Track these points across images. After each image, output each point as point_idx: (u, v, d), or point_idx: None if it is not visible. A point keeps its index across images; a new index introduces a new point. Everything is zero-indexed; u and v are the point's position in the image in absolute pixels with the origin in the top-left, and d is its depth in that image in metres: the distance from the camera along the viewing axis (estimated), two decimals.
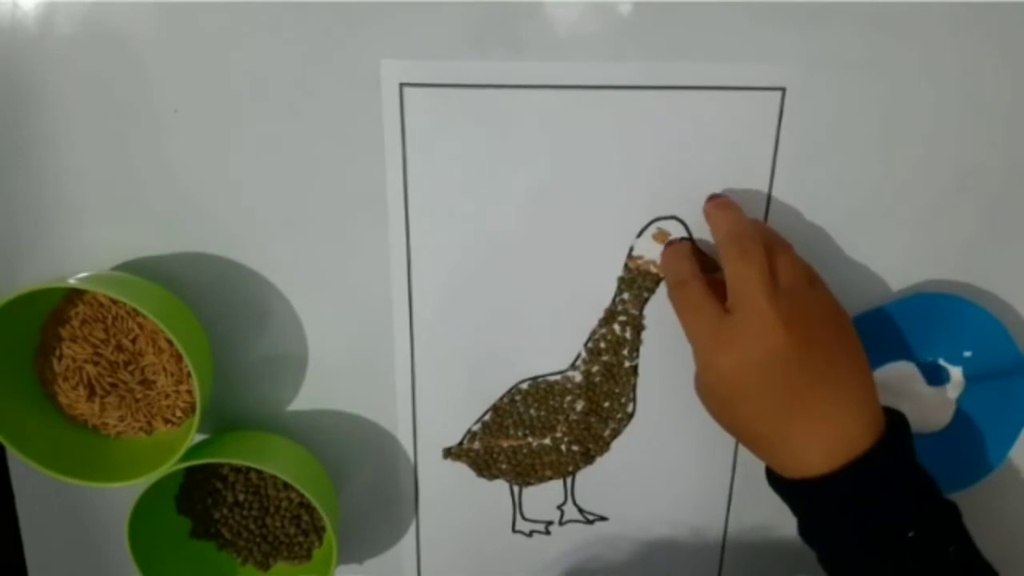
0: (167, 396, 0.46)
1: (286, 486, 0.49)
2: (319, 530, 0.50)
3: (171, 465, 0.43)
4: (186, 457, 0.44)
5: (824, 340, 0.39)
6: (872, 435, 0.39)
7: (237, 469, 0.49)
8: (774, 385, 0.39)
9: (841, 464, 0.38)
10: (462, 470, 0.51)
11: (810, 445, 0.39)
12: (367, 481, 0.51)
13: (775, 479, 0.41)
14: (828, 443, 0.39)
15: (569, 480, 0.52)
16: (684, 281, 0.42)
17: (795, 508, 0.42)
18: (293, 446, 0.48)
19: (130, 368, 0.45)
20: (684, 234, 0.45)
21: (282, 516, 0.50)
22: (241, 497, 0.49)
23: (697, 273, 0.43)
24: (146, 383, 0.46)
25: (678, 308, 0.43)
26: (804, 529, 0.41)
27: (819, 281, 0.42)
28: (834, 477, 0.38)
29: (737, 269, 0.40)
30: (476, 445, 0.50)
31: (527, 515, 0.53)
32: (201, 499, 0.50)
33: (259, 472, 0.49)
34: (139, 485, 0.44)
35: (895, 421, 0.40)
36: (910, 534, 0.38)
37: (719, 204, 0.43)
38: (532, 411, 0.49)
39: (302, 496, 0.48)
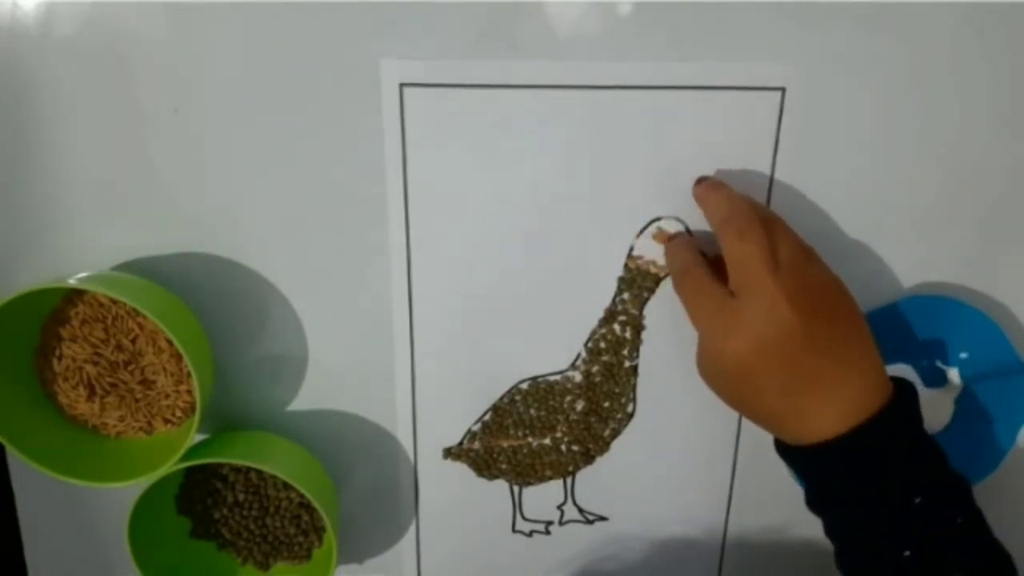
0: (167, 396, 0.46)
1: (286, 486, 0.49)
2: (319, 530, 0.50)
3: (171, 465, 0.43)
4: (186, 457, 0.44)
5: (827, 312, 0.39)
6: (880, 400, 0.39)
7: (237, 469, 0.49)
8: (782, 362, 0.39)
9: (849, 428, 0.38)
10: (462, 470, 0.51)
11: (819, 415, 0.39)
12: (367, 481, 0.51)
13: (783, 447, 0.42)
14: (837, 411, 0.39)
15: (569, 480, 0.52)
16: (687, 269, 0.42)
17: (803, 476, 0.42)
18: (293, 446, 0.48)
19: (130, 368, 0.45)
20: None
21: (282, 516, 0.50)
22: (241, 497, 0.49)
23: (700, 260, 0.43)
24: (146, 383, 0.46)
25: (683, 295, 0.43)
26: (812, 497, 0.42)
27: (813, 253, 0.42)
28: (842, 440, 0.38)
29: (737, 250, 0.40)
30: (476, 445, 0.50)
31: (527, 515, 0.53)
32: (201, 499, 0.50)
33: (259, 472, 0.49)
34: (139, 485, 0.44)
35: (903, 388, 0.40)
36: (917, 500, 0.38)
37: (710, 186, 0.43)
38: (532, 411, 0.49)
39: (302, 496, 0.48)
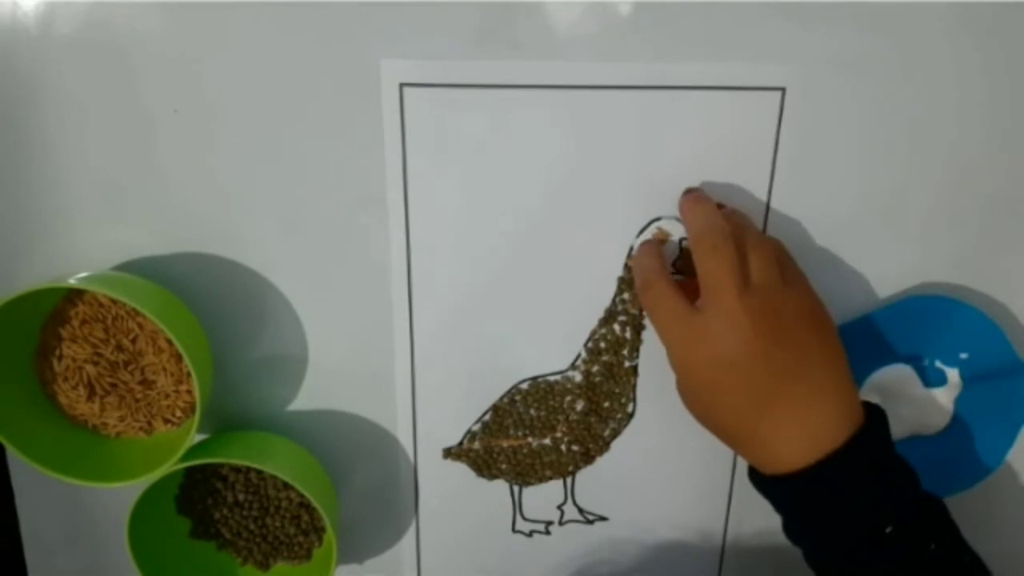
0: (167, 396, 0.46)
1: (286, 486, 0.49)
2: (319, 530, 0.50)
3: (171, 465, 0.43)
4: (186, 457, 0.44)
5: (796, 337, 0.39)
6: (849, 429, 0.39)
7: (237, 469, 0.49)
8: (744, 382, 0.39)
9: (817, 458, 0.38)
10: (462, 470, 0.51)
11: (785, 441, 0.39)
12: (367, 481, 0.51)
13: (756, 476, 0.42)
14: (803, 439, 0.39)
15: (569, 480, 0.52)
16: (650, 282, 0.42)
17: (777, 505, 0.42)
18: (293, 446, 0.48)
19: (130, 368, 0.45)
20: (684, 234, 0.45)
21: (282, 516, 0.50)
22: (241, 497, 0.49)
23: (664, 272, 0.42)
24: (146, 383, 0.46)
25: (647, 309, 0.43)
26: (787, 527, 0.42)
27: (798, 278, 0.42)
28: (810, 471, 0.38)
29: (708, 266, 0.40)
30: (476, 445, 0.50)
31: (527, 515, 0.53)
32: (201, 499, 0.50)
33: (259, 472, 0.49)
34: (139, 485, 0.44)
35: (873, 415, 0.40)
36: (888, 530, 0.38)
37: (694, 199, 0.43)
38: (532, 411, 0.49)
39: (302, 496, 0.48)
